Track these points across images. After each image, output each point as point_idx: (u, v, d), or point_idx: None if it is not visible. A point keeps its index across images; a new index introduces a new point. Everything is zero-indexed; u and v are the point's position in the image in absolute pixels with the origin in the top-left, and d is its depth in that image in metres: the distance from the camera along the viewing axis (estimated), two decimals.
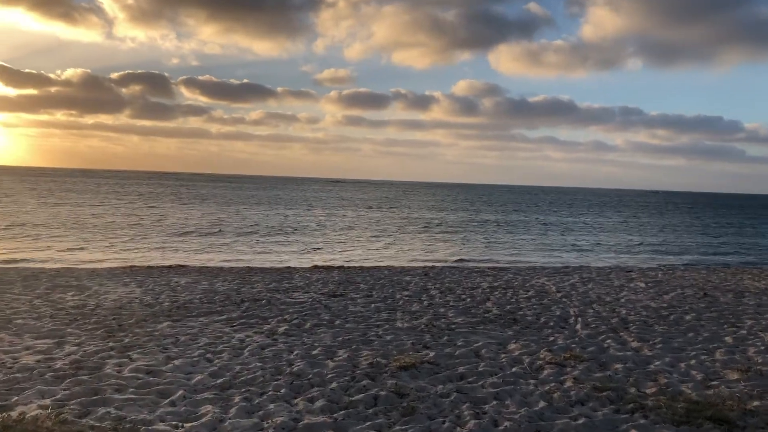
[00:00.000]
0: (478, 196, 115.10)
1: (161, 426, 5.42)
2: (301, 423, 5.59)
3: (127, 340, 8.25)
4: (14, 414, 5.44)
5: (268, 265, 19.34)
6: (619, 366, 7.62)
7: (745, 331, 9.79)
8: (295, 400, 6.19)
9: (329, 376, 6.93)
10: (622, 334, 9.48)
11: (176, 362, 7.28)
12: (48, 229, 28.70)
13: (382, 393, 6.35)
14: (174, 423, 5.50)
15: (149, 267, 16.88)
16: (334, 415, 5.80)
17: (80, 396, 6.04)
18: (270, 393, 6.35)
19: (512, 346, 8.55)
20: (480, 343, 8.56)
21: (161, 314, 10.02)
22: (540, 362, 7.71)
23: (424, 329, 9.45)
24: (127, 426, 5.36)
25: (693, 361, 7.92)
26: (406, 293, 12.85)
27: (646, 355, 8.18)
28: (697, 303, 12.51)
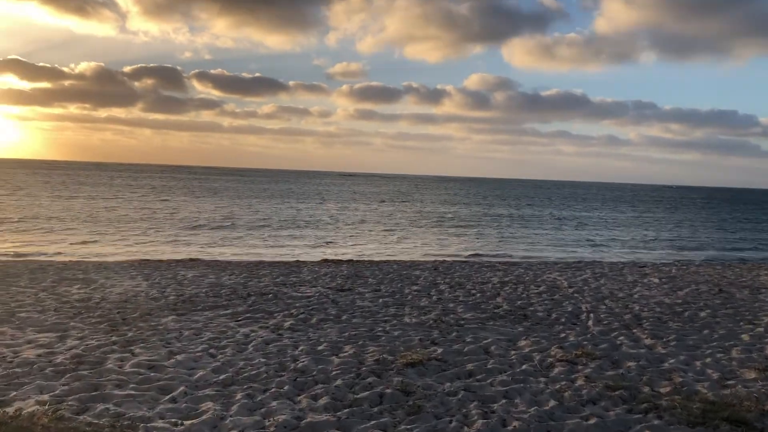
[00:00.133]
0: (491, 191, 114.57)
1: (160, 423, 5.28)
2: (303, 421, 5.43)
3: (130, 334, 8.14)
4: (11, 410, 5.33)
5: (277, 258, 19.23)
6: (632, 364, 7.41)
7: (762, 329, 9.54)
8: (299, 398, 6.04)
9: (334, 372, 6.78)
10: (635, 330, 9.26)
11: (179, 357, 7.15)
12: (61, 222, 28.76)
13: (388, 391, 6.18)
14: (173, 420, 5.36)
15: (158, 260, 16.81)
16: (338, 413, 5.64)
17: (79, 392, 5.92)
18: (273, 390, 6.20)
19: (522, 342, 8.35)
20: (489, 340, 8.37)
21: (166, 308, 9.91)
22: (551, 360, 7.52)
23: (432, 325, 9.27)
24: (125, 423, 5.23)
25: (708, 360, 7.70)
26: (415, 288, 12.67)
27: (659, 353, 7.96)
28: (712, 299, 12.25)
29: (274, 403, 5.83)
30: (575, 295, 12.34)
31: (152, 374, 6.55)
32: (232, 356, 7.30)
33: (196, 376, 6.53)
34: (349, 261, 17.89)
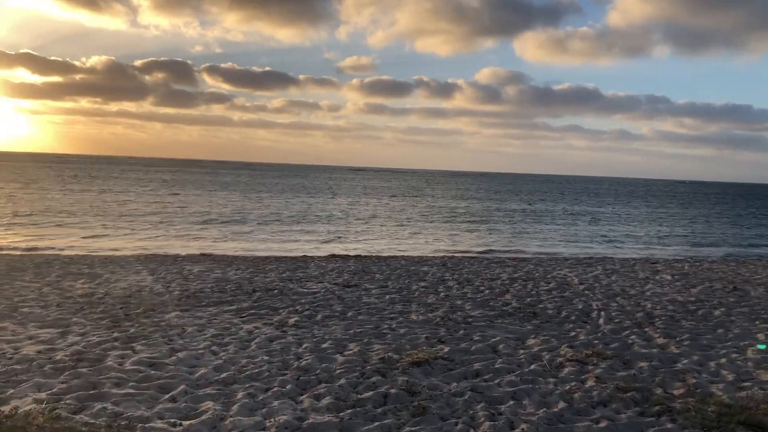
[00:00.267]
0: (502, 185, 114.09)
1: (158, 423, 5.15)
2: (305, 422, 5.29)
3: (132, 330, 8.02)
4: (7, 408, 5.21)
5: (285, 253, 19.12)
6: (644, 364, 7.21)
7: None
8: (301, 397, 5.89)
9: (338, 371, 6.63)
10: (647, 329, 9.05)
11: (180, 355, 7.02)
12: (71, 216, 28.80)
13: (393, 391, 6.02)
14: (172, 420, 5.23)
15: (164, 255, 16.74)
16: (341, 414, 5.49)
17: (77, 390, 5.80)
18: (275, 389, 6.06)
19: (531, 341, 8.17)
20: (497, 338, 8.19)
21: (170, 303, 9.79)
22: (560, 359, 7.33)
23: (439, 322, 9.10)
24: (123, 423, 5.10)
25: (723, 360, 7.49)
26: (422, 284, 12.50)
27: (672, 353, 7.76)
28: (726, 297, 12.00)
29: (275, 403, 5.69)
30: (586, 292, 12.13)
31: (152, 372, 6.42)
32: (234, 354, 7.17)
33: (197, 375, 6.40)
34: (357, 256, 17.74)
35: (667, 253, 23.63)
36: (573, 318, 9.68)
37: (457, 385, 6.32)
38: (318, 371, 6.61)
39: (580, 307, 10.57)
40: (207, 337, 7.85)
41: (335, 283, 12.26)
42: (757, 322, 9.70)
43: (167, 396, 5.79)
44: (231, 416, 5.36)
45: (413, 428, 5.26)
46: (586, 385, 6.41)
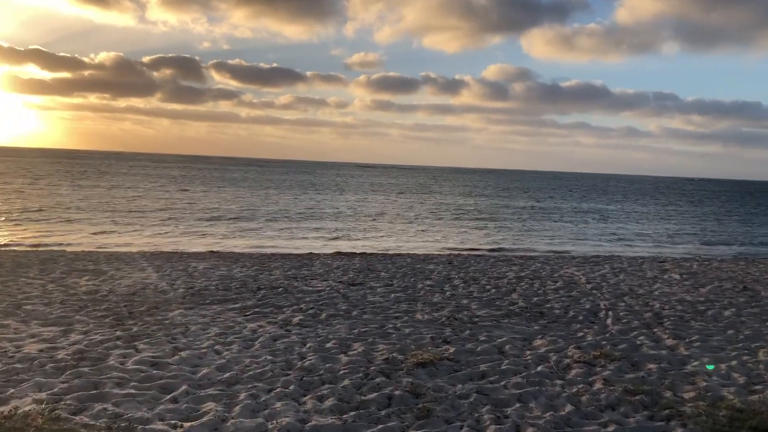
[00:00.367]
0: (510, 182, 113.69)
1: (159, 425, 5.08)
2: (308, 425, 5.21)
3: (135, 329, 7.96)
4: (6, 409, 5.15)
5: (292, 250, 19.05)
6: (653, 366, 7.09)
7: None
8: (304, 399, 5.81)
9: (342, 372, 6.54)
10: (655, 330, 8.92)
11: (183, 354, 6.95)
12: (80, 211, 28.84)
13: (397, 392, 5.93)
14: (173, 422, 5.15)
15: (170, 251, 16.70)
16: (344, 416, 5.40)
17: (78, 390, 5.73)
18: (278, 390, 5.98)
19: (538, 342, 8.06)
20: (504, 339, 8.08)
21: (174, 301, 9.73)
22: (567, 360, 7.22)
23: (445, 322, 9.00)
24: (123, 425, 5.03)
25: (734, 362, 7.35)
26: (428, 283, 12.40)
27: (682, 355, 7.63)
28: (736, 297, 11.85)
29: (278, 405, 5.61)
30: (593, 291, 12.00)
31: (154, 372, 6.35)
32: (237, 353, 7.09)
33: (200, 375, 6.33)
34: (362, 254, 17.66)
35: (677, 252, 23.45)
36: (580, 318, 9.57)
37: (463, 386, 6.23)
38: (321, 372, 6.53)
39: (587, 306, 10.45)
40: (210, 335, 7.78)
41: (340, 282, 12.17)
42: None
43: (169, 396, 5.72)
44: (232, 418, 5.28)
45: (417, 431, 5.17)
46: (594, 388, 6.30)
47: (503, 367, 6.88)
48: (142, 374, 6.26)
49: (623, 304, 10.80)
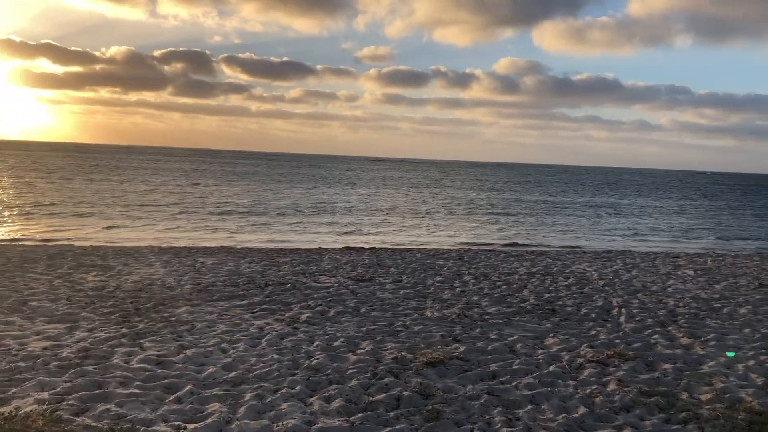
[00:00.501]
0: (522, 176, 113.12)
1: (162, 427, 4.97)
2: (314, 427, 5.08)
3: (141, 326, 7.86)
4: (7, 409, 5.06)
5: (301, 245, 18.95)
6: (668, 366, 6.92)
7: None
8: (311, 399, 5.68)
9: (349, 371, 6.41)
10: (670, 328, 8.73)
11: (188, 352, 6.84)
12: (91, 206, 28.87)
13: (406, 393, 5.79)
14: (176, 424, 5.04)
15: (179, 247, 16.63)
16: (351, 418, 5.27)
17: (81, 390, 5.64)
18: (284, 390, 5.86)
19: (550, 340, 7.90)
20: (515, 337, 7.93)
21: (181, 298, 9.63)
22: (580, 360, 7.06)
23: (455, 320, 8.85)
24: (125, 426, 4.92)
25: (752, 362, 7.16)
26: (438, 279, 12.24)
27: (698, 354, 7.45)
28: (752, 294, 11.63)
29: (284, 406, 5.49)
30: (606, 288, 11.81)
31: (159, 371, 6.25)
32: (244, 352, 6.98)
33: (205, 374, 6.22)
34: (372, 249, 17.52)
35: (691, 247, 23.14)
36: (593, 316, 9.39)
37: (473, 387, 6.08)
38: (329, 371, 6.41)
39: (600, 303, 10.27)
40: (217, 333, 7.67)
41: (349, 277, 12.04)
42: None
43: (173, 397, 5.61)
44: (237, 419, 5.17)
45: None
46: (608, 389, 6.14)
47: (514, 367, 6.73)
48: (147, 373, 6.16)
49: (636, 301, 10.61)
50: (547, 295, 10.87)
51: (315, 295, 10.17)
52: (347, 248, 17.50)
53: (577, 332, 8.34)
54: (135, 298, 9.45)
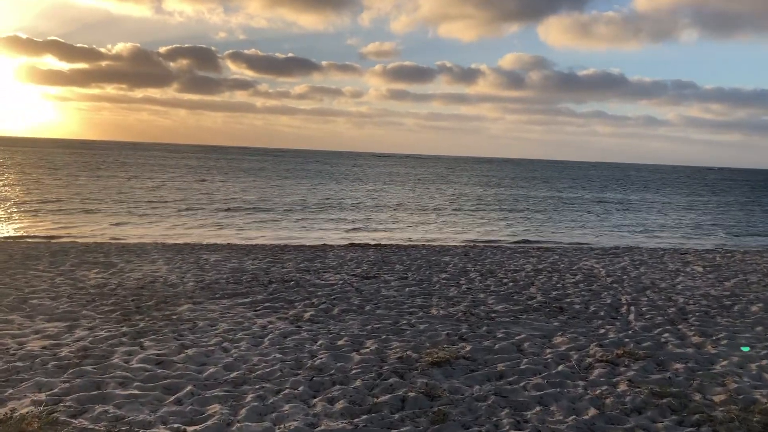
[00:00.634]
0: (529, 172, 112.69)
1: (161, 429, 4.85)
2: (317, 429, 4.96)
3: (142, 324, 7.74)
4: (2, 412, 4.94)
5: (306, 242, 18.83)
6: (679, 366, 6.75)
7: None
8: (314, 401, 5.55)
9: (353, 371, 6.27)
10: (680, 326, 8.56)
11: (189, 352, 6.71)
12: (97, 202, 28.83)
13: (411, 394, 5.65)
14: (176, 426, 4.91)
15: (182, 243, 16.53)
16: (355, 420, 5.14)
17: (79, 390, 5.52)
18: (287, 391, 5.72)
19: (558, 339, 7.75)
20: (522, 336, 7.77)
21: (183, 295, 9.51)
22: (589, 360, 6.90)
23: (461, 318, 8.70)
24: (123, 429, 4.80)
25: (765, 362, 6.99)
26: (443, 276, 12.09)
27: (709, 353, 7.28)
28: (762, 291, 11.43)
29: (286, 407, 5.36)
30: (614, 285, 11.64)
31: (159, 371, 6.12)
32: (246, 351, 6.84)
33: (206, 374, 6.09)
34: (377, 245, 17.38)
35: (702, 243, 22.90)
36: (602, 314, 9.23)
37: (480, 388, 5.93)
38: (332, 371, 6.27)
39: (608, 301, 10.10)
40: (219, 332, 7.54)
41: (353, 275, 11.90)
42: None
43: (173, 398, 5.49)
44: (238, 421, 5.04)
45: None
46: (619, 390, 5.99)
47: (522, 367, 6.58)
48: (147, 373, 6.03)
49: (645, 298, 10.44)
50: (554, 293, 10.70)
51: (319, 293, 10.03)
52: (352, 245, 17.37)
53: (586, 331, 8.19)
54: (137, 296, 9.34)
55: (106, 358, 6.42)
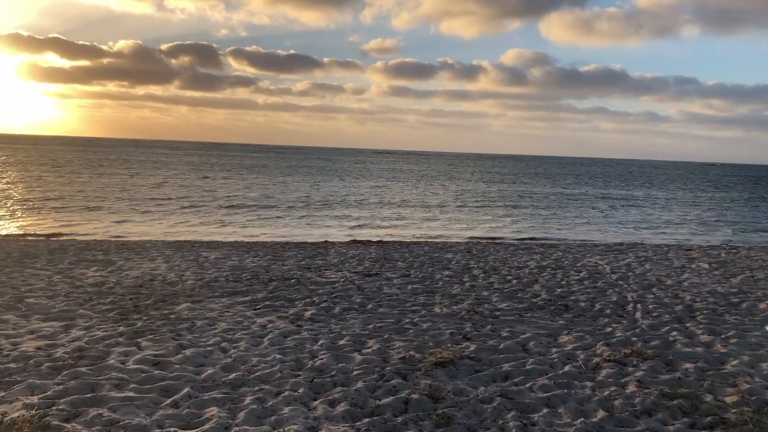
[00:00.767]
0: (532, 168, 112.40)
1: None
2: None
3: (139, 324, 7.60)
4: None
5: (307, 238, 18.68)
6: (689, 366, 6.58)
7: None
8: (314, 403, 5.39)
9: (355, 372, 6.11)
10: (688, 324, 8.39)
11: (187, 352, 6.56)
12: (100, 200, 28.69)
13: (414, 396, 5.49)
14: (172, 430, 4.76)
15: (182, 241, 16.38)
16: (357, 423, 4.98)
17: (73, 393, 5.36)
18: (286, 393, 5.56)
19: (564, 338, 7.58)
20: (528, 335, 7.61)
21: (182, 294, 9.36)
22: (597, 359, 6.74)
23: (464, 316, 8.53)
24: None
25: None
26: (446, 273, 11.92)
27: (719, 353, 7.10)
28: None
29: (286, 410, 5.20)
30: (619, 282, 11.47)
31: (156, 372, 5.97)
32: (245, 351, 6.69)
33: (204, 375, 5.94)
34: (379, 242, 17.22)
35: (707, 239, 22.71)
36: (608, 312, 9.05)
37: (485, 389, 5.77)
38: (333, 372, 6.11)
39: (614, 299, 9.93)
40: (217, 332, 7.39)
41: (355, 272, 11.74)
42: None
43: (169, 400, 5.33)
44: (237, 425, 4.89)
45: None
46: (627, 391, 5.82)
47: (528, 367, 6.42)
48: (143, 375, 5.88)
49: (652, 296, 10.27)
50: (559, 290, 10.54)
51: (320, 291, 9.87)
52: (354, 241, 17.21)
53: (592, 329, 8.02)
54: (135, 295, 9.19)
55: (102, 359, 6.27)
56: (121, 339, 6.96)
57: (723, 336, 7.81)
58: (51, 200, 27.56)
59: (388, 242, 17.33)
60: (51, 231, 18.79)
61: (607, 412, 5.32)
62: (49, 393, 5.34)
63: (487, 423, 5.08)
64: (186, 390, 5.53)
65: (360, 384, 5.79)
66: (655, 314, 8.94)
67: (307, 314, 8.35)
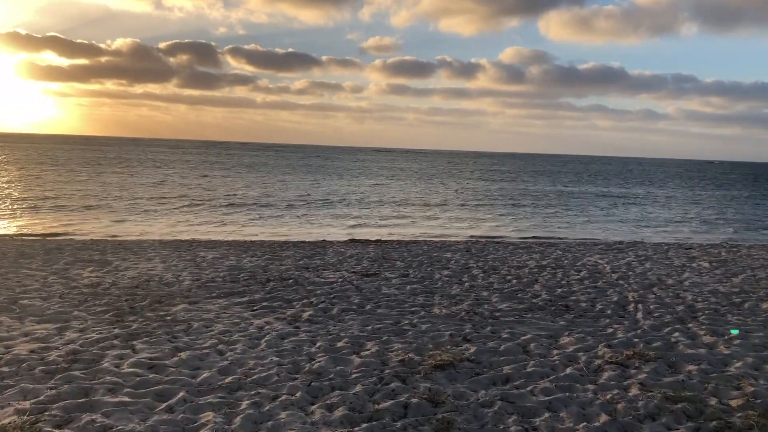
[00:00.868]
0: (531, 166, 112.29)
1: None
2: None
3: (135, 326, 7.49)
4: None
5: (306, 238, 18.57)
6: (692, 368, 6.49)
7: None
8: (312, 407, 5.29)
9: (353, 375, 6.02)
10: (690, 325, 8.30)
11: (183, 355, 6.46)
12: (98, 199, 28.55)
13: (414, 400, 5.39)
14: None
15: (180, 240, 16.27)
16: (355, 429, 4.88)
17: (66, 398, 5.26)
18: (283, 397, 5.47)
19: (565, 339, 7.48)
20: (528, 336, 7.51)
21: (179, 295, 9.26)
22: (598, 361, 6.64)
23: (464, 317, 8.44)
24: None
25: None
26: (445, 272, 11.82)
27: (722, 354, 7.01)
28: None
29: (283, 415, 5.10)
30: (620, 281, 11.38)
31: (151, 376, 5.87)
32: (242, 354, 6.59)
33: (200, 379, 5.84)
34: (377, 241, 17.11)
35: (709, 237, 22.62)
36: (608, 312, 8.96)
37: (486, 392, 5.68)
38: (331, 375, 6.01)
39: (615, 299, 9.84)
40: (214, 333, 7.29)
41: (353, 272, 11.63)
42: None
43: (164, 405, 5.23)
44: (233, 430, 4.80)
45: None
46: (630, 394, 5.72)
47: (529, 370, 6.32)
48: (138, 378, 5.78)
49: (653, 295, 10.17)
50: (559, 290, 10.44)
51: (318, 291, 9.77)
52: (352, 241, 17.11)
53: (593, 330, 7.93)
54: (131, 296, 9.08)
55: (96, 363, 6.17)
56: (116, 341, 6.86)
57: (726, 337, 7.72)
58: (49, 199, 27.44)
59: (386, 241, 17.24)
60: (48, 230, 18.67)
61: (609, 416, 5.23)
62: (42, 398, 5.24)
63: (487, 428, 4.99)
64: (181, 394, 5.43)
65: (358, 387, 5.70)
66: (656, 314, 8.85)
67: (305, 315, 8.25)
